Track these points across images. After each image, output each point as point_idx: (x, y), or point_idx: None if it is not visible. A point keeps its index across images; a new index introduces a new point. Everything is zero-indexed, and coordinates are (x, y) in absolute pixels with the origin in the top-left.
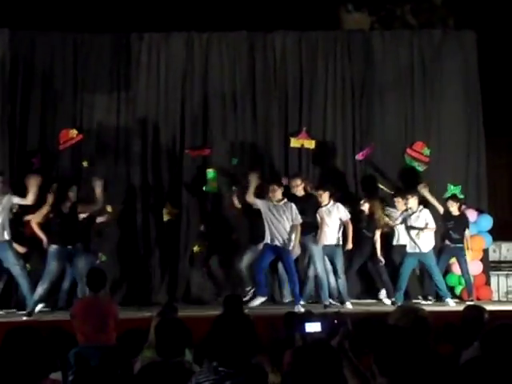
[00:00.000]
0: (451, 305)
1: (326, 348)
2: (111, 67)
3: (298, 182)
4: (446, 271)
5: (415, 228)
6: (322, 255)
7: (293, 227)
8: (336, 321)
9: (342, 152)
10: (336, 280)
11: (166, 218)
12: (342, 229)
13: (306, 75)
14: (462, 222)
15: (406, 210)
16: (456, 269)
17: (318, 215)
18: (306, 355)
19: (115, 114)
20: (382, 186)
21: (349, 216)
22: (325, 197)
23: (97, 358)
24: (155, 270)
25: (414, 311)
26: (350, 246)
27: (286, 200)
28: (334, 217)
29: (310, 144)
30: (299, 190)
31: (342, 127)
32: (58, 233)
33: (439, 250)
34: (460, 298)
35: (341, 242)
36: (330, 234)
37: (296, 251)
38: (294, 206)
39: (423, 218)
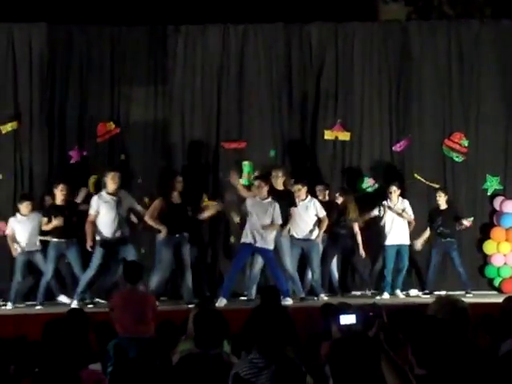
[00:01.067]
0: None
1: (364, 340)
2: (148, 60)
3: (280, 173)
4: (485, 263)
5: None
6: (290, 250)
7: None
8: (371, 313)
9: (379, 143)
10: (312, 274)
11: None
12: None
13: (342, 67)
14: (450, 215)
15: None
16: (495, 261)
17: (292, 210)
18: (343, 347)
19: (152, 106)
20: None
21: (324, 213)
22: (303, 192)
23: (135, 349)
24: (193, 263)
25: (454, 302)
26: (319, 240)
27: (270, 199)
28: (310, 212)
29: (345, 136)
30: (279, 183)
31: (378, 119)
32: (167, 222)
33: (431, 246)
34: (499, 290)
35: (316, 237)
36: (305, 228)
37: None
38: (277, 206)
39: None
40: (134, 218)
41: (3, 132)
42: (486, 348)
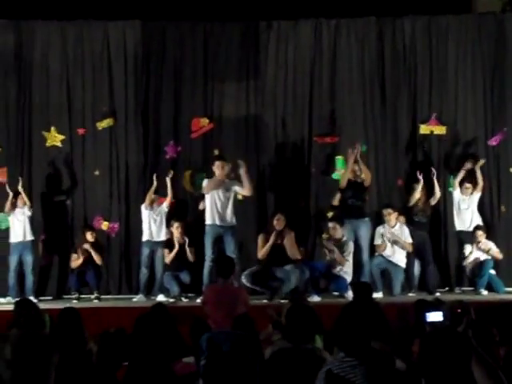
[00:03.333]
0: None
1: (455, 336)
2: (240, 56)
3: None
4: None
5: None
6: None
7: None
8: (459, 310)
9: (474, 138)
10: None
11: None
12: None
13: (435, 60)
14: None
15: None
16: None
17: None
18: (433, 343)
19: (245, 102)
20: None
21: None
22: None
23: (228, 343)
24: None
25: None
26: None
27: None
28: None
29: (441, 130)
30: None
31: (473, 113)
32: None
33: None
34: None
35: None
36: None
37: None
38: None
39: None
40: None
41: (99, 129)
42: None
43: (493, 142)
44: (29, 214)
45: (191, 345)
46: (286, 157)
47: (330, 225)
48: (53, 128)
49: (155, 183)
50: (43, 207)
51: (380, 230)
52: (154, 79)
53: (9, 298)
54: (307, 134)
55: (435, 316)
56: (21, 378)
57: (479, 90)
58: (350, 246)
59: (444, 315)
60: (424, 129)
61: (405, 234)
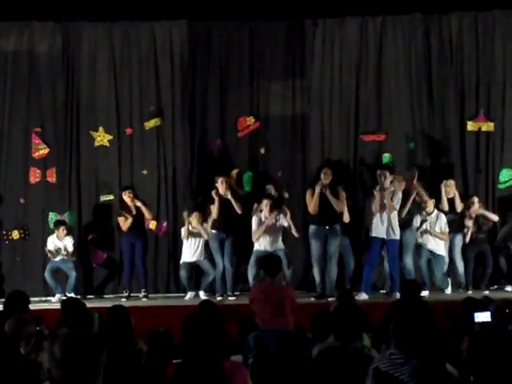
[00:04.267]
0: None
1: (504, 335)
2: (286, 54)
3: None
4: None
5: None
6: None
7: None
8: (508, 310)
9: None
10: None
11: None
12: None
13: (483, 56)
14: None
15: None
16: None
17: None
18: (482, 342)
19: (290, 100)
20: None
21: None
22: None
23: (275, 341)
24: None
25: None
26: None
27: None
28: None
29: (489, 127)
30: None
31: None
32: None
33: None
34: None
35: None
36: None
37: None
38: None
39: None
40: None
41: (147, 128)
42: None
43: None
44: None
45: (239, 343)
46: (333, 155)
47: (378, 172)
48: (101, 128)
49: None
50: (91, 207)
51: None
52: (200, 79)
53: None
54: (353, 132)
55: (483, 316)
56: (70, 377)
57: None
58: (399, 197)
59: (492, 315)
60: (472, 125)
61: (441, 222)
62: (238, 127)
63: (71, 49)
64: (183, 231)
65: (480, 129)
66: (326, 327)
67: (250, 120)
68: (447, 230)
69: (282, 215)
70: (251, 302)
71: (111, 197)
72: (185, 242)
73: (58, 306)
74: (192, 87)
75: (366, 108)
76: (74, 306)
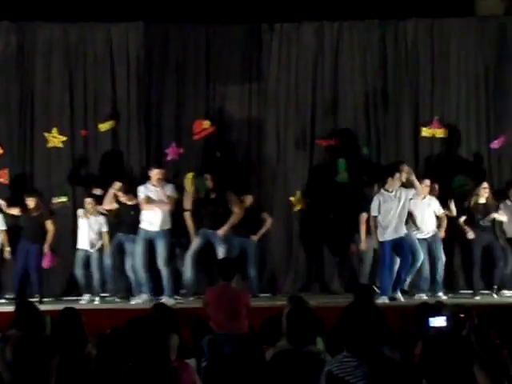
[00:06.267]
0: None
1: (457, 339)
2: (243, 58)
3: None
4: None
5: None
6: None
7: None
8: (462, 314)
9: (476, 141)
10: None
11: (295, 207)
12: None
13: (438, 63)
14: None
15: None
16: None
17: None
18: (435, 347)
19: (247, 104)
20: None
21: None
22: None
23: (229, 345)
24: (287, 259)
25: None
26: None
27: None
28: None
29: (442, 133)
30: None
31: (475, 115)
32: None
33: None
34: None
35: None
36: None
37: None
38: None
39: None
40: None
41: (101, 130)
42: None
43: (495, 144)
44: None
45: (193, 347)
46: (288, 158)
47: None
48: (54, 129)
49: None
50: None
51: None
52: (156, 81)
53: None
54: (309, 136)
55: (438, 321)
56: (21, 381)
57: (482, 92)
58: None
59: (447, 320)
60: (426, 131)
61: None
62: (194, 130)
63: (26, 49)
64: None
65: (434, 135)
66: (276, 331)
67: (206, 123)
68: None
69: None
70: (205, 305)
71: (64, 199)
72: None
73: (8, 308)
74: (148, 90)
75: (323, 112)
76: (26, 308)
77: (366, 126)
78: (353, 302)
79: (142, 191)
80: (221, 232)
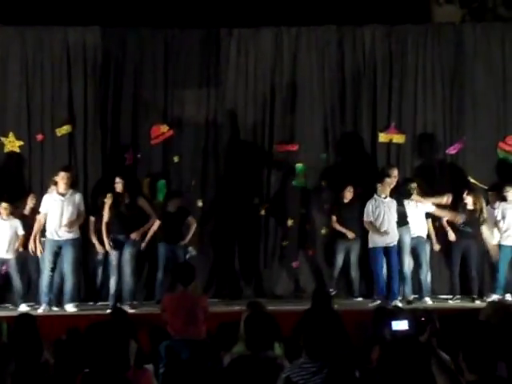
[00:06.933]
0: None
1: (415, 344)
2: (201, 63)
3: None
4: None
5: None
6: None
7: None
8: (423, 318)
9: (433, 146)
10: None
11: (256, 212)
12: None
13: (395, 69)
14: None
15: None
16: None
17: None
18: (394, 351)
19: (205, 109)
20: (473, 181)
21: None
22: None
23: (187, 351)
24: (243, 264)
25: (506, 308)
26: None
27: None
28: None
29: (400, 139)
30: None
31: (432, 121)
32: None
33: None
34: None
35: None
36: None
37: None
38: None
39: None
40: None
41: (58, 135)
42: None
43: (451, 150)
44: None
45: (150, 352)
46: (246, 163)
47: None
48: (11, 133)
49: None
50: None
51: None
52: (113, 85)
53: None
54: (268, 141)
55: (400, 325)
56: None
57: (438, 98)
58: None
59: (409, 324)
60: (383, 137)
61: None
62: (152, 135)
63: None
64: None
65: (391, 140)
66: (232, 337)
67: (164, 128)
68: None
69: None
70: (163, 311)
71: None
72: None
73: None
74: (105, 94)
75: (280, 118)
76: None
77: (324, 131)
78: (311, 308)
79: (45, 204)
80: (133, 236)
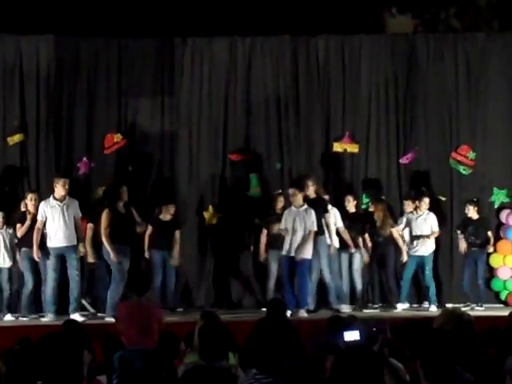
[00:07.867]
0: (434, 311)
1: (368, 353)
2: (155, 72)
3: (311, 182)
4: (491, 276)
5: (420, 236)
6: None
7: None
8: (375, 328)
9: (386, 156)
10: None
11: (208, 221)
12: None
13: (349, 79)
14: (482, 226)
15: (411, 212)
16: (502, 274)
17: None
18: (347, 360)
19: (159, 118)
20: (424, 189)
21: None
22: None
23: (141, 361)
24: (199, 274)
25: (459, 315)
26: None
27: (306, 206)
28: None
29: (353, 148)
30: (311, 191)
31: (385, 131)
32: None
33: (464, 256)
34: (506, 303)
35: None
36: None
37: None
38: (313, 213)
39: (430, 222)
40: None
41: (10, 144)
42: (492, 362)
43: (404, 160)
44: None
45: (104, 362)
46: (200, 173)
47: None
48: None
49: None
50: None
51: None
52: (66, 94)
53: None
54: (222, 150)
55: (352, 335)
56: None
57: (391, 108)
58: None
59: (361, 334)
60: (337, 146)
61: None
62: (105, 144)
63: None
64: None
65: (345, 150)
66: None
67: (118, 137)
68: None
69: None
70: (117, 321)
71: None
72: None
73: None
74: (58, 102)
75: (235, 127)
76: None
77: (279, 140)
78: (265, 317)
79: (42, 210)
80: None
